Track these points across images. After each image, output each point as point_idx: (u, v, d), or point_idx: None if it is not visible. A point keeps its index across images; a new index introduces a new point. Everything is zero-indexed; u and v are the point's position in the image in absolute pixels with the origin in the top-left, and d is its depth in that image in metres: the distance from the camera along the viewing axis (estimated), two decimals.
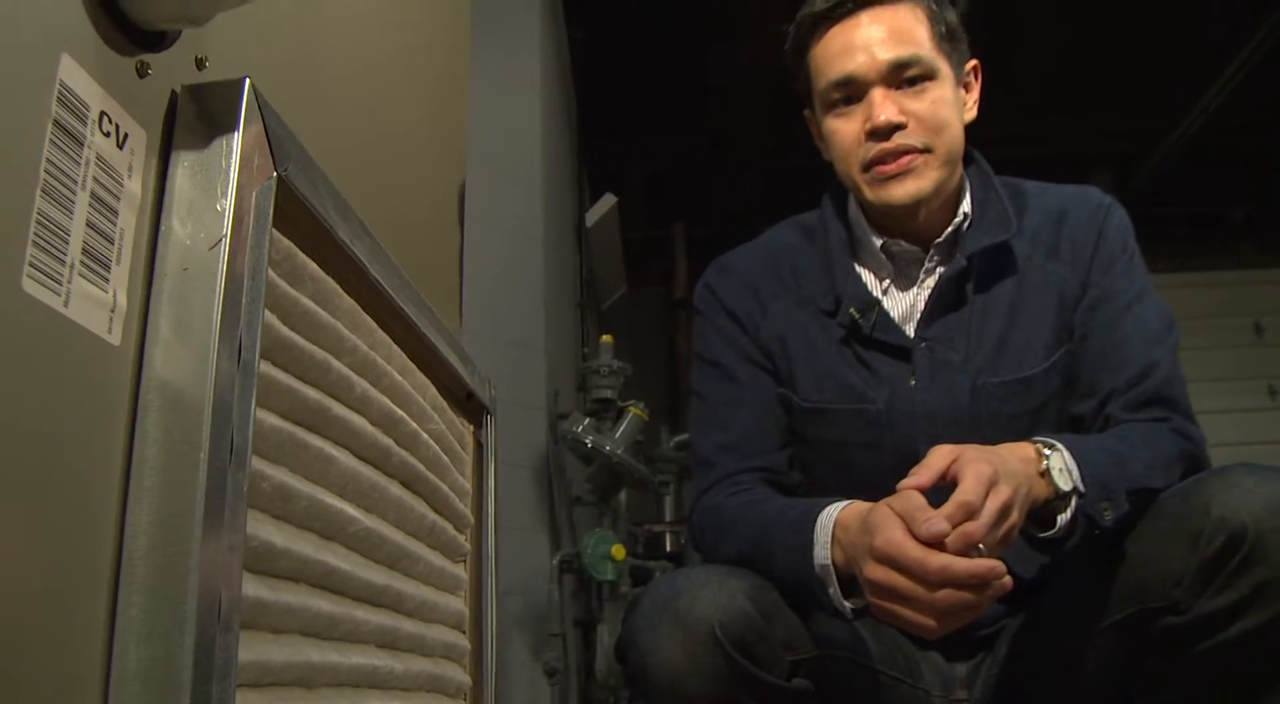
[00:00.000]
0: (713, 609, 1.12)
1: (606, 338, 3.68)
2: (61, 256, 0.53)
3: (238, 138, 0.62)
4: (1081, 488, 1.12)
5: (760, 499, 1.33)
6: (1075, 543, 1.15)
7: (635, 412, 3.43)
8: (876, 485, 1.19)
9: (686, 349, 6.32)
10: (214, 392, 0.57)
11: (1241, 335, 6.19)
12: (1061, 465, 1.13)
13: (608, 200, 4.64)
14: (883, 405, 1.36)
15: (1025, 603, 1.31)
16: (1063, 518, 1.13)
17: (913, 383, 1.35)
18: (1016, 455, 1.13)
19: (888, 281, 1.41)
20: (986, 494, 1.03)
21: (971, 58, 1.41)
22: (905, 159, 1.31)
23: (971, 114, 1.40)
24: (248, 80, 0.64)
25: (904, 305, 1.39)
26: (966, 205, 1.39)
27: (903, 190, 1.32)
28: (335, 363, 0.75)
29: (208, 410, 0.57)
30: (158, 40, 0.63)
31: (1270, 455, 5.78)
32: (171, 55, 0.65)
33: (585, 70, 4.96)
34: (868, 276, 1.42)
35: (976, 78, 1.42)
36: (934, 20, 1.34)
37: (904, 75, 1.31)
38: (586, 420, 3.33)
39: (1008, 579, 1.01)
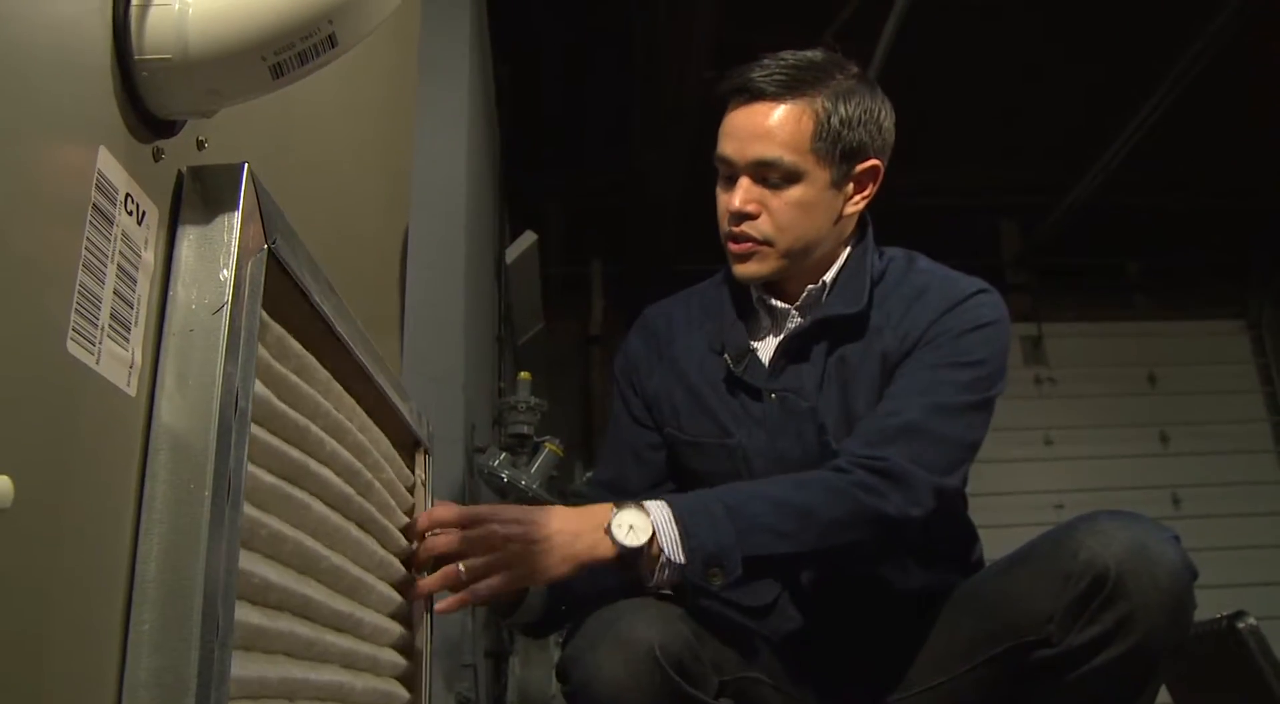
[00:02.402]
0: (653, 631, 1.22)
1: (525, 375, 3.77)
2: (95, 321, 0.62)
3: (238, 216, 0.72)
4: (678, 557, 1.24)
5: None
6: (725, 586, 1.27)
7: (551, 447, 3.51)
8: None
9: (601, 385, 6.41)
10: (216, 439, 0.66)
11: (1136, 384, 6.46)
12: (631, 524, 1.25)
13: (528, 238, 4.74)
14: (744, 442, 1.49)
15: (915, 635, 1.43)
16: (659, 576, 1.26)
17: (766, 425, 1.49)
18: (589, 513, 1.28)
19: (767, 328, 1.55)
20: (460, 517, 1.23)
21: (874, 158, 1.48)
22: (747, 245, 1.45)
23: (855, 208, 1.50)
24: (246, 165, 0.74)
25: (772, 352, 1.53)
26: (829, 275, 1.52)
27: (744, 269, 1.48)
28: (313, 427, 0.86)
29: (210, 455, 0.66)
30: (169, 128, 0.72)
31: (1162, 499, 6.04)
32: (179, 139, 0.74)
33: (509, 106, 5.07)
34: (761, 320, 1.55)
35: (875, 179, 1.50)
36: (821, 121, 1.43)
37: (765, 173, 1.43)
38: (503, 455, 3.40)
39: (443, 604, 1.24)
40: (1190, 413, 6.39)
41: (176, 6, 0.69)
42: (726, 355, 1.52)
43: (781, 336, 1.52)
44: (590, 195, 6.19)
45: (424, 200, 3.17)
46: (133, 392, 0.65)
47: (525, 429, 3.62)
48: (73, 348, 0.59)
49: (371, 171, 1.34)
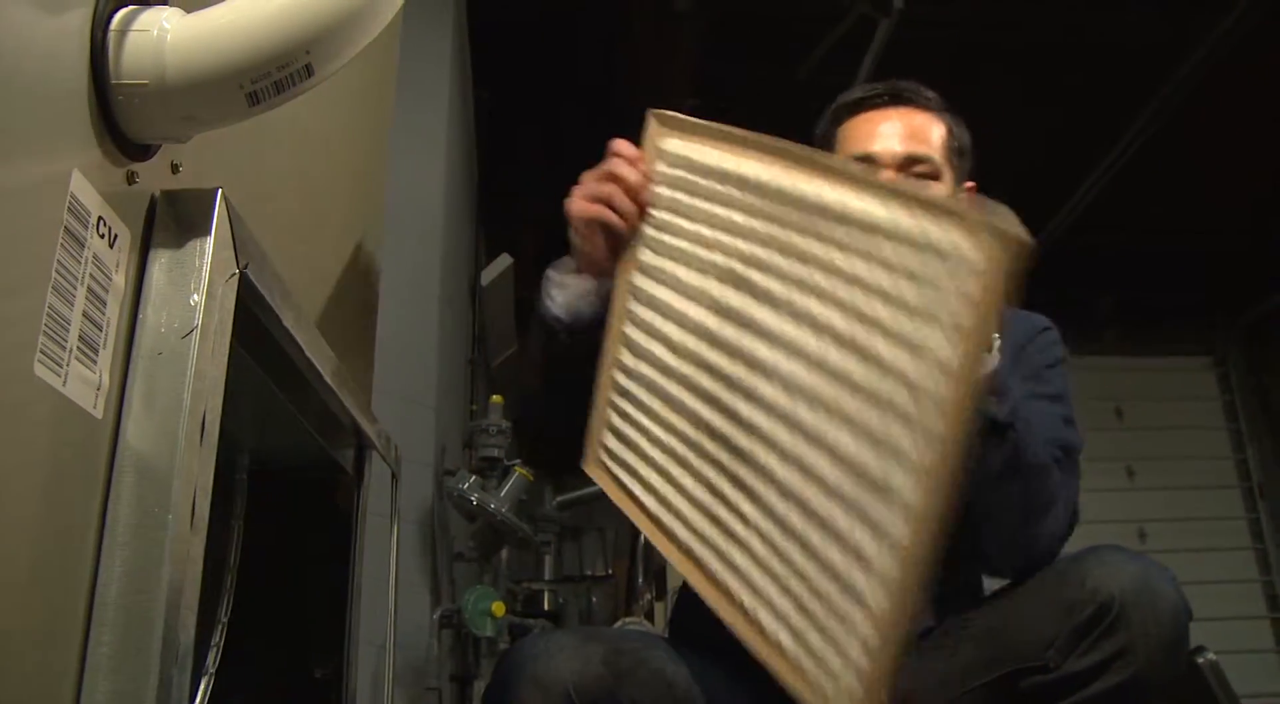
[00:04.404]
0: (568, 672, 1.21)
1: (497, 398, 3.77)
2: (63, 343, 0.62)
3: (210, 241, 0.72)
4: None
5: None
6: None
7: (521, 471, 3.51)
8: None
9: None
10: (183, 463, 0.66)
11: (1104, 419, 6.51)
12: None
13: (504, 261, 4.74)
14: None
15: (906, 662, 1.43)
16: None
17: None
18: None
19: None
20: None
21: (970, 181, 1.56)
22: None
23: None
24: (220, 191, 0.74)
25: None
26: None
27: None
28: None
29: (176, 479, 0.66)
30: (144, 151, 0.73)
31: (1127, 533, 6.08)
32: (153, 163, 0.74)
33: (489, 129, 5.08)
34: None
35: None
36: (949, 131, 1.52)
37: (914, 169, 1.48)
38: (473, 478, 3.40)
39: None
40: (1157, 448, 6.44)
41: (155, 33, 0.69)
42: None
43: None
44: (567, 220, 6.19)
45: (400, 221, 3.18)
46: (100, 414, 0.66)
47: (496, 452, 3.62)
48: (39, 370, 0.59)
49: (346, 194, 1.34)
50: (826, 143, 1.58)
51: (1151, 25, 4.41)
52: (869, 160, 1.49)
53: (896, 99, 1.52)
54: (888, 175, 1.46)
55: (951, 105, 1.57)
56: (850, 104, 1.56)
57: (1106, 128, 4.81)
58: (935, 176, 1.48)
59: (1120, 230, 5.97)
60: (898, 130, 1.50)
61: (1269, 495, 6.43)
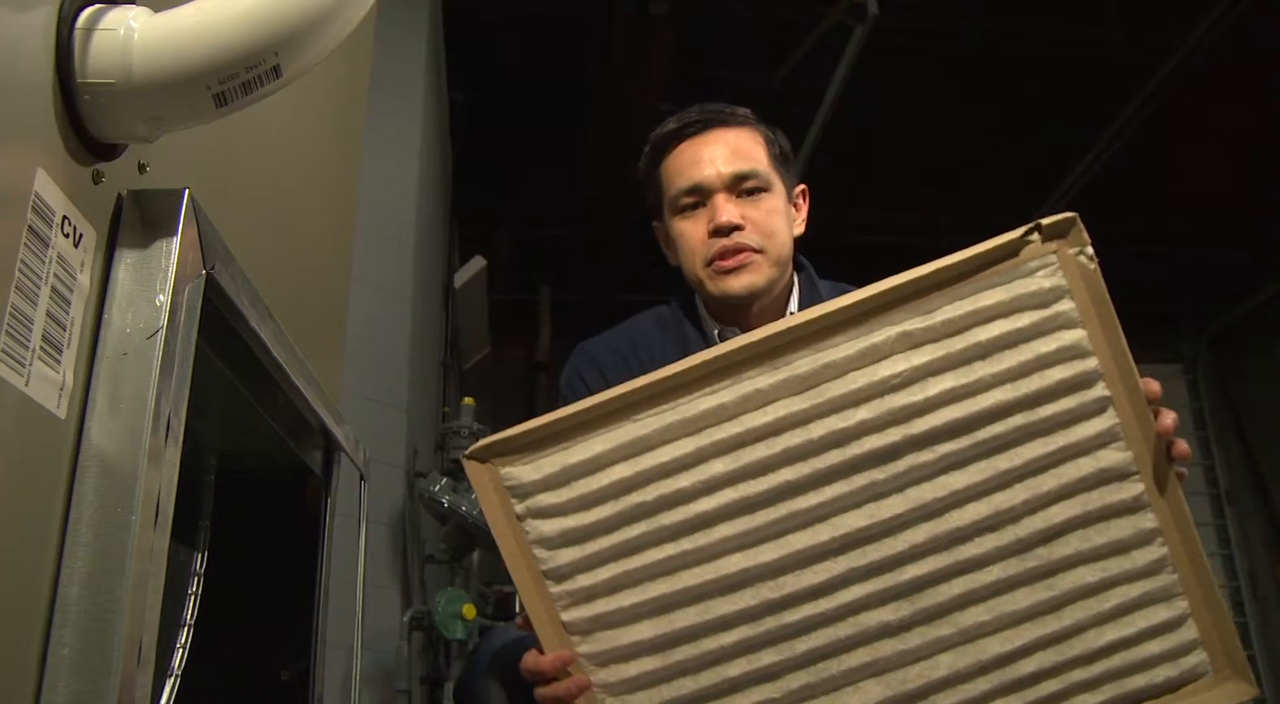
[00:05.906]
0: None
1: (469, 400, 3.76)
2: (26, 342, 0.62)
3: (177, 241, 0.72)
4: None
5: None
6: None
7: None
8: None
9: (546, 411, 6.40)
10: (147, 464, 0.66)
11: None
12: None
13: (477, 263, 4.74)
14: None
15: None
16: None
17: None
18: None
19: None
20: None
21: (800, 183, 1.58)
22: (742, 255, 1.46)
23: (800, 229, 1.56)
24: (187, 191, 0.74)
25: None
26: (794, 306, 1.55)
27: (739, 283, 1.48)
28: None
29: (140, 479, 0.66)
30: (111, 151, 0.73)
31: None
32: (120, 162, 0.74)
33: (463, 131, 5.07)
34: None
35: (805, 199, 1.59)
36: (769, 143, 1.53)
37: (743, 186, 1.48)
38: (444, 480, 3.40)
39: None
40: None
41: (122, 32, 0.69)
42: None
43: None
44: (541, 223, 6.20)
45: (373, 223, 3.17)
46: (62, 414, 0.65)
47: None
48: (0, 369, 0.59)
49: (317, 195, 1.34)
50: (653, 183, 1.58)
51: (1121, 41, 4.46)
52: (700, 190, 1.49)
53: (710, 123, 1.53)
54: (720, 198, 1.47)
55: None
56: (666, 137, 1.55)
57: (1078, 138, 4.86)
58: (766, 189, 1.49)
59: (1091, 239, 6.03)
60: (720, 153, 1.50)
61: (1235, 501, 6.50)
